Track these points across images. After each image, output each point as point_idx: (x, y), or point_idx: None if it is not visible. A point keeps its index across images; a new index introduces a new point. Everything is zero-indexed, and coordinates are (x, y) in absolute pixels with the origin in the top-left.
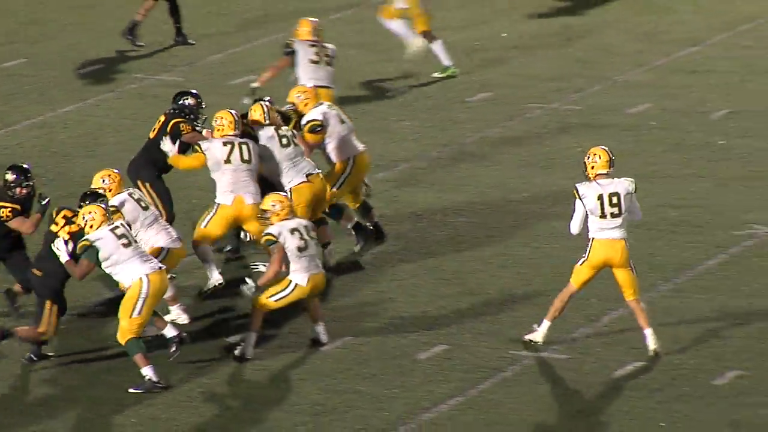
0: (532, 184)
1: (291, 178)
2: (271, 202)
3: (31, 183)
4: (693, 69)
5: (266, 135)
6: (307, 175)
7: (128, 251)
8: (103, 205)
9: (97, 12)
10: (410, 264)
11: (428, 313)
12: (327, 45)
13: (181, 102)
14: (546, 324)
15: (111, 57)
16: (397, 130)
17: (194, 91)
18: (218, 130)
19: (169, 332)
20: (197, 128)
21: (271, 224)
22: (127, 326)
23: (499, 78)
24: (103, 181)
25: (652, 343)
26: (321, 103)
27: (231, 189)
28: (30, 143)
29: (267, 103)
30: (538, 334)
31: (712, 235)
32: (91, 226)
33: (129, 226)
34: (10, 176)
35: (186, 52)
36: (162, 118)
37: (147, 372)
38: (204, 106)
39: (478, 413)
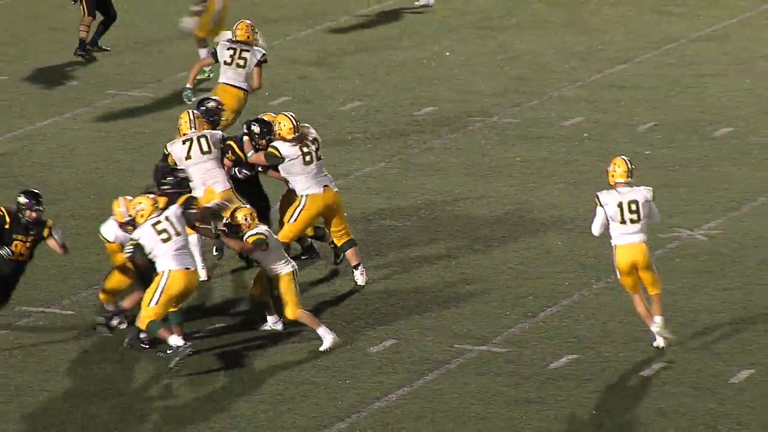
0: (474, 192)
1: (308, 186)
2: (242, 216)
3: (42, 208)
4: (622, 85)
5: (290, 155)
6: (323, 186)
7: (165, 246)
8: (152, 196)
9: (71, 33)
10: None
11: (378, 310)
12: (247, 47)
13: (203, 107)
14: (656, 330)
15: (85, 74)
16: (351, 142)
17: (215, 97)
18: (180, 131)
19: (175, 341)
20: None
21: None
22: (143, 314)
23: (444, 94)
24: (135, 208)
25: (658, 335)
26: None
27: (201, 182)
28: (13, 154)
29: (291, 114)
30: (662, 340)
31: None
32: (142, 216)
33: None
34: (22, 199)
35: (155, 70)
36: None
37: (174, 341)
38: (224, 108)
39: (425, 402)
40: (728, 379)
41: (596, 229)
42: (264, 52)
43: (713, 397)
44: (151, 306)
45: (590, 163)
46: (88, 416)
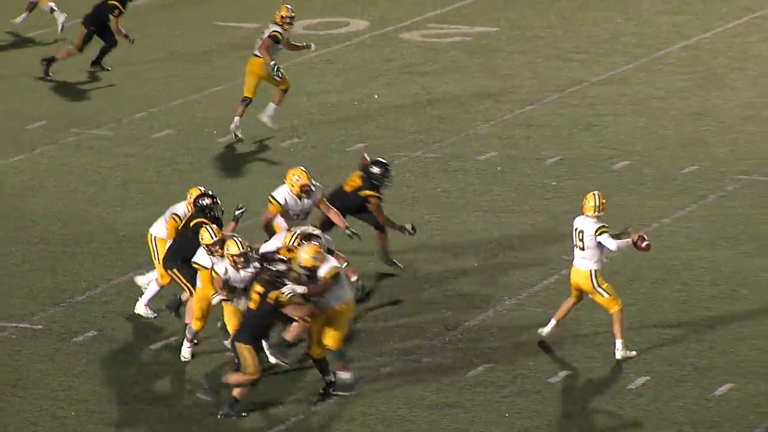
0: (399, 218)
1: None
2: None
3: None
4: (531, 123)
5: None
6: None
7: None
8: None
9: (40, 77)
10: None
11: None
12: (271, 25)
13: (369, 170)
14: (552, 322)
15: (53, 115)
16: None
17: (382, 160)
18: None
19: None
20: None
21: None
22: (340, 336)
23: (373, 131)
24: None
25: (618, 353)
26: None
27: None
28: None
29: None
30: (546, 330)
31: (547, 260)
32: (322, 259)
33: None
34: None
35: (114, 111)
36: (359, 181)
37: (346, 376)
38: (390, 173)
39: (356, 407)
40: (626, 385)
41: None
42: (276, 29)
43: (613, 402)
44: (344, 330)
45: (503, 193)
46: (55, 419)
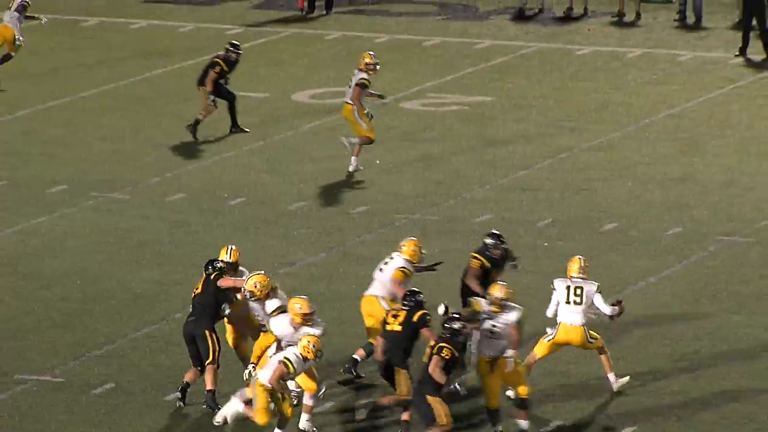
0: None
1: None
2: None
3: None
4: (524, 188)
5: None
6: None
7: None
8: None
9: (60, 144)
10: None
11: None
12: (357, 72)
13: (484, 242)
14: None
15: (72, 180)
16: (296, 236)
17: (495, 232)
18: None
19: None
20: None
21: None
22: (526, 381)
23: (374, 195)
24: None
25: (616, 385)
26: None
27: None
28: (11, 246)
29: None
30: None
31: (539, 317)
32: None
33: None
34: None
35: (131, 176)
36: (475, 263)
37: (525, 425)
38: (502, 246)
39: None
40: None
41: (550, 311)
42: (364, 76)
43: None
44: None
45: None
46: None
